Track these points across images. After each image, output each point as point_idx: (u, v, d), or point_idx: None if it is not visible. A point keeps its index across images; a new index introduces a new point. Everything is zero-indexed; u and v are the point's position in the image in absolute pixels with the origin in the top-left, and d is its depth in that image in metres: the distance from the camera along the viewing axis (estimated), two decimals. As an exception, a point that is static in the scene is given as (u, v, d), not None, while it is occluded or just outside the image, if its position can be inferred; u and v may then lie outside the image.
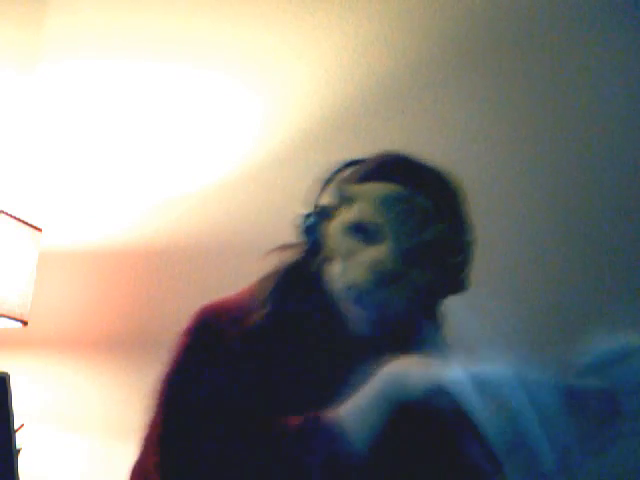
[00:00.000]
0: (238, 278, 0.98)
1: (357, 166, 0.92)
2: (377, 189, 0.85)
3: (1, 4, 1.91)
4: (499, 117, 1.59)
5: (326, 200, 0.90)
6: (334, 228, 0.87)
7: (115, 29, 1.92)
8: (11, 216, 1.61)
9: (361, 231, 0.84)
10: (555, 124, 1.55)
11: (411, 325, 0.85)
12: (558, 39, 1.59)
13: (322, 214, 0.89)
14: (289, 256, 0.94)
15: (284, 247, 0.95)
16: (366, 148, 1.71)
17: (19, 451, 1.39)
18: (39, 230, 1.70)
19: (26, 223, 1.65)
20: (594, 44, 1.56)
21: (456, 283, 0.89)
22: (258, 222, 1.67)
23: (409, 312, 0.85)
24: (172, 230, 1.75)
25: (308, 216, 0.90)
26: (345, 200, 0.87)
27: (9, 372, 1.12)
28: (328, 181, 0.92)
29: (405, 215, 0.83)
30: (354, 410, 0.75)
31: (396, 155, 0.91)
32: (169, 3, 1.89)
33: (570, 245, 1.47)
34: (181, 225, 1.75)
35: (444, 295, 0.90)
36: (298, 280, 0.91)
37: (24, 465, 1.35)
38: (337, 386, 0.77)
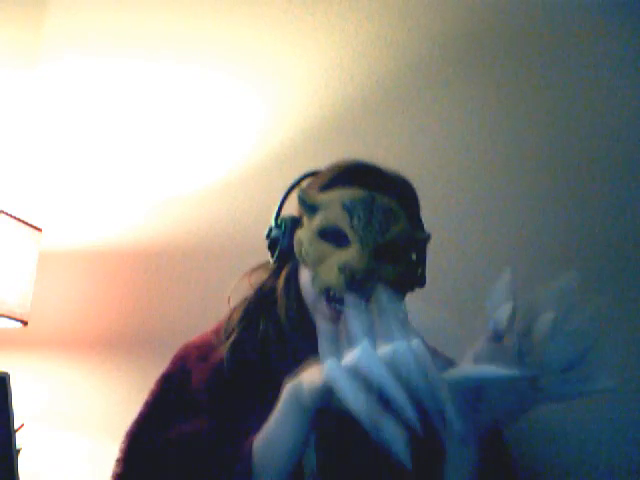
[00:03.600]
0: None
1: (315, 176, 0.97)
2: (340, 195, 0.89)
3: (1, 4, 1.91)
4: (499, 117, 1.59)
5: (291, 211, 0.94)
6: (303, 236, 0.90)
7: (115, 28, 1.92)
8: (11, 216, 1.60)
9: (329, 236, 0.88)
10: (556, 124, 1.55)
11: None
12: (559, 39, 1.59)
13: (288, 224, 0.93)
14: (258, 279, 0.99)
15: (253, 270, 1.00)
16: (366, 148, 1.70)
17: (19, 451, 1.39)
18: (39, 230, 1.70)
19: (26, 223, 1.65)
20: (596, 44, 1.56)
21: (417, 278, 0.94)
22: (258, 222, 1.65)
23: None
24: (172, 230, 1.75)
25: (274, 228, 0.95)
26: (309, 209, 0.90)
27: (9, 372, 1.12)
28: (289, 193, 0.97)
29: (368, 216, 0.86)
30: (266, 433, 0.76)
31: (354, 162, 0.95)
32: (169, 3, 1.90)
33: (572, 245, 1.47)
34: (181, 225, 1.75)
35: (408, 289, 0.94)
36: (266, 302, 0.95)
37: (24, 465, 1.35)
38: None
